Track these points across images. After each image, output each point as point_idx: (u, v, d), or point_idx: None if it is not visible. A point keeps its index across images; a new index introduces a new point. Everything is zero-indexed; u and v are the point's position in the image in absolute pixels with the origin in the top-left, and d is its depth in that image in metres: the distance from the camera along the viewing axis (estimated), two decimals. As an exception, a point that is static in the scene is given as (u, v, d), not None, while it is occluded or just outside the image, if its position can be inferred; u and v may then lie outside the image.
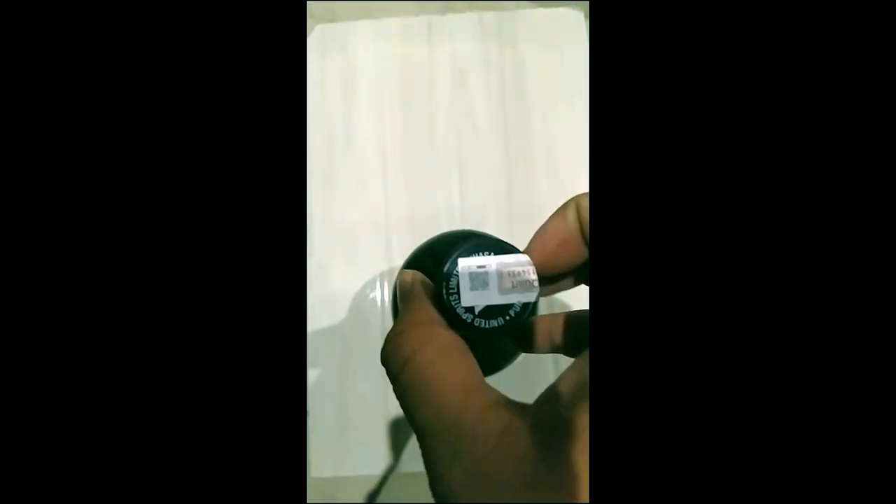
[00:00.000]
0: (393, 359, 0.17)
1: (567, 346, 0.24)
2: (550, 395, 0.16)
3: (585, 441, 0.13)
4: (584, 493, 0.13)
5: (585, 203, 0.18)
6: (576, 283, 0.21)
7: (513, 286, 0.18)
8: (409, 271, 0.20)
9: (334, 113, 0.50)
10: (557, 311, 0.25)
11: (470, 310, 0.18)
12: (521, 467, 0.14)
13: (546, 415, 0.15)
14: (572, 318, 0.24)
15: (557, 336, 0.24)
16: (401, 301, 0.20)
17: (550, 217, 0.19)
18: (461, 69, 0.50)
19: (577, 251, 0.18)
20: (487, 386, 0.16)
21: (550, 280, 0.20)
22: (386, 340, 0.18)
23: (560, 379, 0.16)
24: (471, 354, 0.17)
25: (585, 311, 0.24)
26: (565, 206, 0.19)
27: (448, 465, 0.15)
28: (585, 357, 0.16)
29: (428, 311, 0.18)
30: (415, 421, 0.16)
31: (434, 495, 0.15)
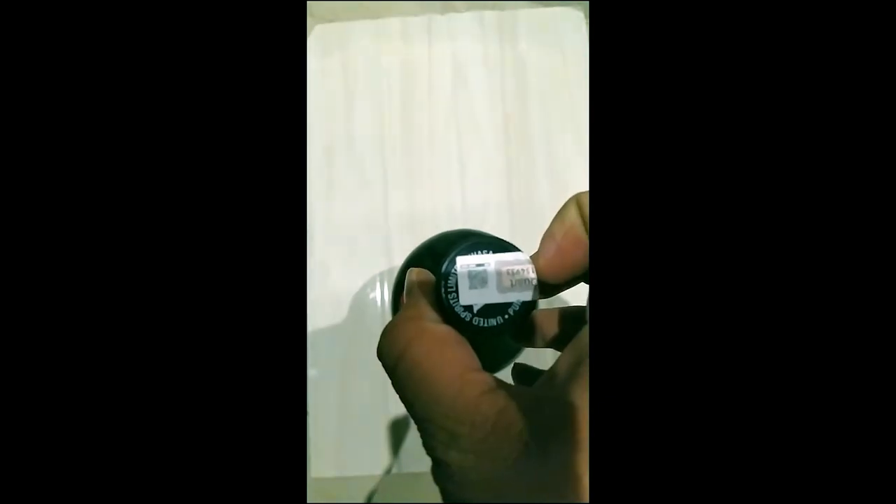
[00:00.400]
0: (388, 352, 0.17)
1: (561, 342, 0.24)
2: (547, 378, 0.16)
3: (583, 420, 0.14)
4: (583, 473, 0.13)
5: (585, 199, 0.18)
6: (575, 283, 0.21)
7: (512, 285, 0.18)
8: (416, 269, 0.20)
9: (334, 112, 0.50)
10: (555, 306, 0.25)
11: (469, 308, 0.18)
12: (515, 448, 0.14)
13: (541, 396, 0.15)
14: (567, 314, 0.24)
15: (552, 331, 0.24)
16: (405, 297, 0.20)
17: (554, 219, 0.19)
18: (461, 68, 0.50)
19: (587, 250, 0.18)
20: (482, 372, 0.17)
21: (566, 283, 0.19)
22: (381, 335, 0.18)
23: (556, 362, 0.16)
24: (465, 343, 0.17)
25: (580, 307, 0.24)
26: (566, 204, 0.19)
27: (446, 449, 0.15)
28: (580, 339, 0.16)
29: (421, 308, 0.18)
30: (413, 411, 0.16)
31: (435, 479, 0.16)
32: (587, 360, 0.15)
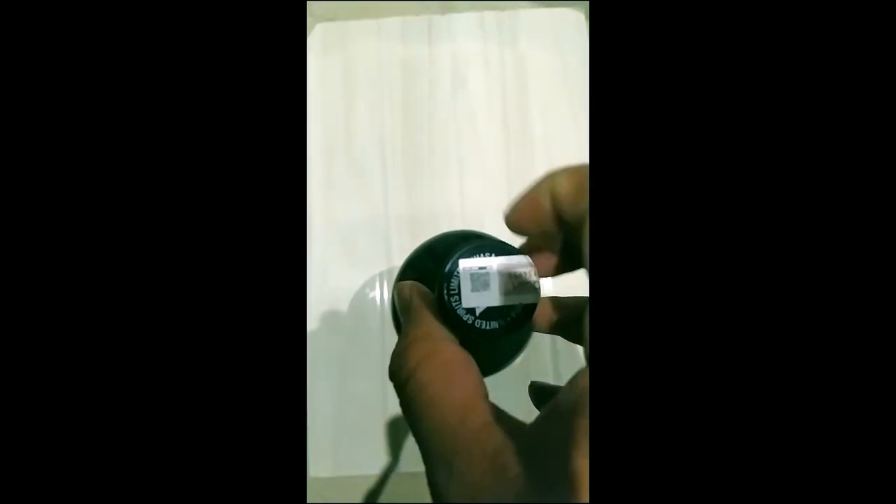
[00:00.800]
0: (397, 374, 0.17)
1: (562, 328, 0.23)
2: (548, 414, 0.16)
3: (583, 461, 0.13)
4: None
5: (562, 184, 0.17)
6: (556, 273, 0.20)
7: (514, 288, 0.18)
8: (407, 282, 0.20)
9: (334, 112, 0.50)
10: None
11: (471, 311, 0.18)
12: (513, 489, 0.14)
13: (542, 435, 0.15)
14: (572, 302, 0.24)
15: (554, 317, 0.23)
16: (401, 314, 0.20)
17: (527, 193, 0.18)
18: (461, 69, 0.50)
19: (546, 223, 0.18)
20: (487, 403, 0.16)
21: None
22: (392, 356, 0.18)
23: (558, 397, 0.16)
24: (474, 368, 0.17)
25: (585, 297, 0.23)
26: (538, 186, 0.18)
27: (446, 480, 0.15)
28: (583, 374, 0.16)
29: (430, 325, 0.18)
30: (417, 435, 0.16)
31: None
32: (587, 399, 0.15)
